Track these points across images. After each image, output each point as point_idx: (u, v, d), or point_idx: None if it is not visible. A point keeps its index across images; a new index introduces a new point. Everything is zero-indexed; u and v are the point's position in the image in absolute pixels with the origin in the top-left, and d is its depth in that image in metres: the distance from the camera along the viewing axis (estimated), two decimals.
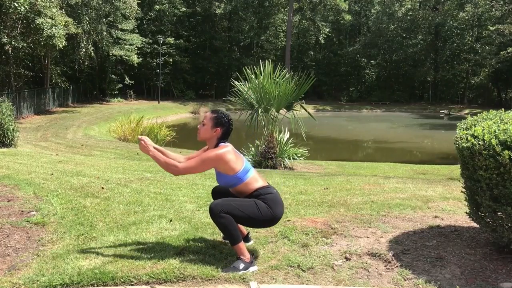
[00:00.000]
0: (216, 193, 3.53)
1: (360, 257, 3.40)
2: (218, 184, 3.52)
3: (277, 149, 10.71)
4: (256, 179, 3.33)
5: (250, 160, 10.51)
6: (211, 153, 3.25)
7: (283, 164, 10.72)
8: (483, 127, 3.14)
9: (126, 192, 5.49)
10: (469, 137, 3.15)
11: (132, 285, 2.92)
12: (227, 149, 3.27)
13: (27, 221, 4.17)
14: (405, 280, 3.06)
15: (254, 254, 3.37)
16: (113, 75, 36.50)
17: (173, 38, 40.31)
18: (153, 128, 18.54)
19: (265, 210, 3.20)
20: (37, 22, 20.62)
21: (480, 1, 41.50)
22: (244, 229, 3.62)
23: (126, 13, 33.35)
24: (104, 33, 31.38)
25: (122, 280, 2.94)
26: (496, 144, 2.94)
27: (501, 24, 38.06)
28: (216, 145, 3.34)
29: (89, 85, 37.30)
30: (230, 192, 3.41)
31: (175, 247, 3.53)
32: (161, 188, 5.85)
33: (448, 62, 48.56)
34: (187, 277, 3.00)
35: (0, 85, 24.07)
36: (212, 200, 3.35)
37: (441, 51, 48.07)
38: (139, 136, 3.37)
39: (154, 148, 3.36)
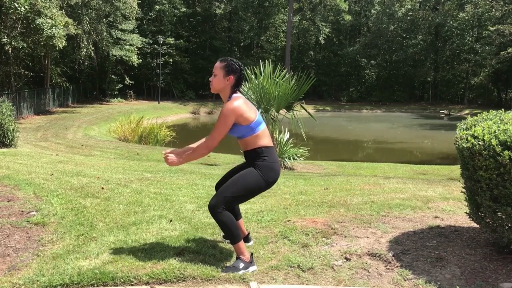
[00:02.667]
0: (220, 186, 3.52)
1: (360, 257, 3.40)
2: (219, 180, 3.50)
3: (277, 149, 10.71)
4: (265, 134, 3.30)
5: None
6: (225, 109, 3.18)
7: (283, 164, 10.73)
8: (483, 128, 3.14)
9: (126, 192, 5.49)
10: (469, 138, 3.15)
11: (132, 285, 2.92)
12: (239, 101, 3.21)
13: (27, 221, 4.17)
14: (405, 280, 3.06)
15: (254, 254, 3.37)
16: (113, 75, 36.52)
17: (173, 38, 40.34)
18: (153, 128, 18.52)
19: (260, 181, 3.20)
20: (37, 22, 20.62)
21: (480, 1, 41.50)
22: (244, 229, 3.63)
23: (126, 13, 33.37)
24: (104, 33, 31.40)
25: (122, 280, 2.94)
26: (496, 145, 2.94)
27: (501, 24, 38.06)
28: (231, 95, 3.27)
29: (89, 85, 37.32)
30: None
31: (175, 247, 3.53)
32: (161, 188, 5.85)
33: (448, 62, 48.57)
34: (187, 277, 3.00)
35: (0, 85, 24.08)
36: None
37: (441, 51, 48.08)
38: (164, 153, 3.29)
39: (179, 153, 3.30)
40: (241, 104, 3.20)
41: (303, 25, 49.91)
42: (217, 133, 3.19)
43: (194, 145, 3.45)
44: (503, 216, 3.08)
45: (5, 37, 20.79)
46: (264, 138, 3.27)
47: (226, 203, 3.15)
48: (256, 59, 39.83)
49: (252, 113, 3.24)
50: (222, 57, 3.38)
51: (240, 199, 3.25)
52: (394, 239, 3.74)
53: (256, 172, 3.21)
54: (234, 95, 3.27)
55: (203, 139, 3.43)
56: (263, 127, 3.30)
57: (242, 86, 10.73)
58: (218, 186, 3.55)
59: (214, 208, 3.14)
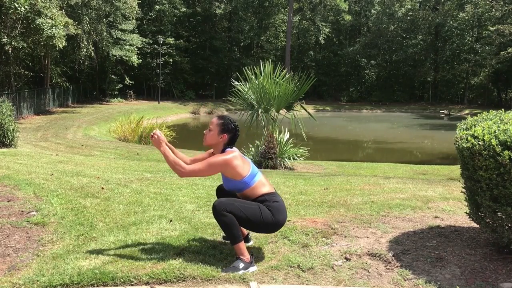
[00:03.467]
0: (221, 191, 3.54)
1: (360, 257, 3.40)
2: (221, 185, 3.52)
3: (277, 149, 10.71)
4: (263, 183, 3.33)
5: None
6: (219, 158, 3.25)
7: (283, 164, 10.72)
8: (483, 128, 3.14)
9: (126, 193, 5.49)
10: (469, 138, 3.15)
11: (132, 285, 2.92)
12: (234, 155, 3.26)
13: (27, 221, 4.17)
14: (405, 280, 3.06)
15: (254, 254, 3.37)
16: (113, 75, 36.53)
17: (173, 38, 40.35)
18: (153, 128, 18.48)
19: (267, 216, 3.21)
20: (37, 22, 20.62)
21: (480, 1, 41.50)
22: (244, 229, 3.63)
23: (126, 14, 33.36)
24: (104, 33, 31.40)
25: (122, 280, 2.94)
26: (496, 145, 2.94)
27: (501, 24, 38.06)
28: (223, 151, 3.34)
29: (89, 85, 37.33)
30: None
31: (175, 247, 3.53)
32: (161, 188, 5.85)
33: (448, 62, 48.57)
34: (187, 277, 3.00)
35: (0, 85, 24.07)
36: (216, 198, 3.36)
37: (441, 51, 48.09)
38: (154, 131, 3.35)
39: (166, 145, 3.35)
40: (236, 157, 3.25)
41: (303, 25, 49.91)
42: (201, 171, 3.23)
43: (180, 155, 3.49)
44: (503, 216, 3.08)
45: (5, 37, 20.79)
46: (262, 187, 3.31)
47: (230, 211, 3.15)
48: (256, 59, 39.84)
49: (245, 168, 3.27)
50: (221, 115, 3.45)
51: (242, 219, 3.20)
52: (394, 239, 3.74)
53: (267, 211, 3.23)
54: (228, 149, 3.33)
55: (189, 160, 3.50)
56: (258, 178, 3.33)
57: (242, 86, 10.78)
58: (219, 190, 3.56)
59: (218, 208, 3.14)
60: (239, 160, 3.27)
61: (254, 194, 3.28)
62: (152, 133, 3.34)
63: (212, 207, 3.20)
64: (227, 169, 3.24)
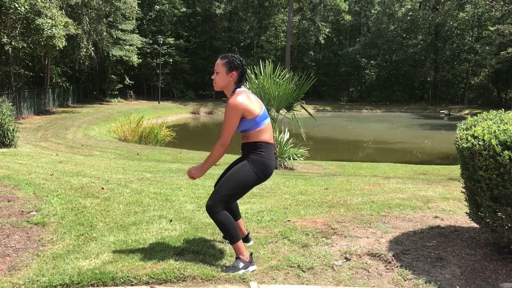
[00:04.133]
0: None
1: (360, 257, 3.40)
2: (218, 180, 3.51)
3: (277, 149, 10.71)
4: (268, 129, 3.30)
5: None
6: (229, 106, 3.17)
7: (283, 165, 10.72)
8: (483, 128, 3.14)
9: (126, 193, 5.49)
10: (469, 138, 3.15)
11: (132, 285, 2.92)
12: (242, 96, 3.20)
13: (27, 221, 4.17)
14: (405, 280, 3.06)
15: (254, 254, 3.37)
16: (113, 75, 36.52)
17: (173, 39, 40.34)
18: (153, 129, 18.52)
19: (251, 173, 3.19)
20: (37, 22, 20.62)
21: (480, 1, 41.50)
22: (244, 229, 3.63)
23: (126, 13, 33.35)
24: (104, 33, 31.39)
25: (122, 280, 2.94)
26: (496, 145, 2.94)
27: (501, 24, 38.06)
28: (234, 90, 3.27)
29: (89, 85, 37.32)
30: None
31: (175, 247, 3.53)
32: (161, 188, 5.85)
33: (448, 62, 48.57)
34: (187, 277, 3.00)
35: (0, 85, 24.08)
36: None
37: (441, 51, 48.08)
38: (188, 174, 3.32)
39: (199, 167, 3.29)
40: (245, 99, 3.20)
41: (303, 25, 49.91)
42: (227, 130, 3.17)
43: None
44: (503, 216, 3.08)
45: (5, 37, 20.78)
46: (266, 133, 3.28)
47: (223, 202, 3.16)
48: (256, 59, 39.80)
49: (256, 107, 3.24)
50: (223, 55, 3.36)
51: (235, 196, 3.25)
52: (394, 239, 3.74)
53: (248, 166, 3.21)
54: (238, 90, 3.27)
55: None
56: (267, 121, 3.31)
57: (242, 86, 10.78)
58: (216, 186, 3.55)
59: (211, 209, 3.15)
60: (248, 100, 3.21)
61: (257, 137, 3.23)
62: (187, 173, 3.33)
63: (205, 209, 3.21)
64: (241, 111, 3.15)
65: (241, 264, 3.12)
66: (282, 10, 48.72)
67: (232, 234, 3.18)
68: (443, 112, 41.62)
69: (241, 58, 3.34)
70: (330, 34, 49.57)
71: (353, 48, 50.29)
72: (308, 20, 49.46)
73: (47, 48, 23.05)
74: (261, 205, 4.91)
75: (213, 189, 3.38)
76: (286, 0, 46.62)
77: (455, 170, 10.03)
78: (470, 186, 3.30)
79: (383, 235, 3.84)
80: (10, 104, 12.36)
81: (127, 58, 34.05)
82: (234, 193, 3.21)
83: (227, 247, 3.53)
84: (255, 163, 3.22)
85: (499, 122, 3.19)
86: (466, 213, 3.59)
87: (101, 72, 36.16)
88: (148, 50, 38.95)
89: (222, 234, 3.76)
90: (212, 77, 3.33)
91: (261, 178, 3.27)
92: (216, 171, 7.59)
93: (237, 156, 3.47)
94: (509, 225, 3.12)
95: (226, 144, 3.20)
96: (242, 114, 3.17)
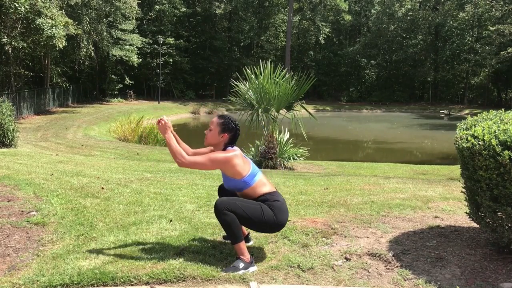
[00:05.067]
0: (222, 190, 3.54)
1: (360, 257, 3.40)
2: (222, 184, 3.53)
3: (277, 149, 10.71)
4: (263, 183, 3.33)
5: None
6: (220, 154, 3.25)
7: (283, 164, 10.72)
8: (483, 127, 3.14)
9: (126, 192, 5.49)
10: (469, 137, 3.15)
11: (132, 285, 2.92)
12: (235, 153, 3.27)
13: (27, 221, 4.17)
14: (405, 280, 3.06)
15: (254, 254, 3.37)
16: (113, 75, 36.52)
17: (173, 38, 40.34)
18: (153, 128, 18.52)
19: (269, 216, 3.20)
20: (37, 22, 20.61)
21: (480, 1, 41.50)
22: (244, 229, 3.63)
23: (126, 13, 33.35)
24: (104, 33, 31.38)
25: (122, 280, 2.94)
26: (496, 144, 2.94)
27: (501, 24, 38.06)
28: (224, 150, 3.34)
29: (89, 85, 37.32)
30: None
31: (175, 247, 3.53)
32: (161, 188, 5.85)
33: (448, 62, 48.56)
34: (187, 277, 3.00)
35: (0, 85, 24.07)
36: (218, 197, 3.36)
37: (441, 51, 48.08)
38: (161, 117, 3.34)
39: (172, 133, 3.35)
40: (237, 155, 3.26)
41: (303, 25, 49.91)
42: (201, 164, 3.24)
43: (183, 145, 3.52)
44: (503, 216, 3.08)
45: (5, 37, 20.78)
46: (263, 187, 3.31)
47: (233, 209, 3.15)
48: (256, 59, 39.82)
49: (246, 167, 3.27)
50: (221, 114, 3.44)
51: (246, 221, 3.21)
52: (394, 239, 3.74)
53: (269, 210, 3.22)
54: (230, 148, 3.33)
55: (191, 151, 3.53)
56: (259, 177, 3.32)
57: (242, 86, 10.78)
58: (221, 189, 3.56)
59: (220, 206, 3.14)
60: (240, 159, 3.27)
61: (255, 193, 3.28)
62: (159, 119, 3.34)
63: (214, 206, 3.20)
64: (227, 167, 3.24)
65: (242, 265, 3.12)
66: (282, 10, 48.72)
67: (236, 235, 3.18)
68: (443, 112, 41.62)
69: (237, 122, 3.38)
70: (330, 34, 49.57)
71: (353, 48, 50.30)
72: (308, 20, 49.46)
73: (47, 48, 23.05)
74: None
75: (213, 188, 3.38)
76: (286, 0, 46.61)
77: (455, 170, 10.03)
78: (470, 186, 3.30)
79: (383, 235, 3.84)
80: (10, 104, 12.36)
81: (127, 58, 34.05)
82: (248, 218, 3.17)
83: (227, 247, 3.53)
84: (275, 208, 3.23)
85: (499, 122, 3.19)
86: (466, 213, 3.59)
87: (101, 72, 36.15)
88: (148, 50, 38.96)
89: (222, 234, 3.76)
90: (205, 131, 3.39)
91: (277, 225, 3.25)
92: (216, 171, 7.59)
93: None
94: (509, 225, 3.12)
95: (186, 166, 3.24)
96: (229, 171, 3.23)
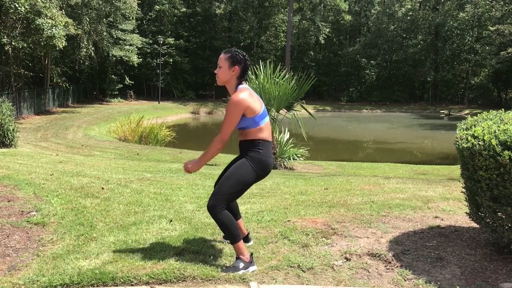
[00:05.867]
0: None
1: (360, 257, 3.40)
2: (217, 179, 3.51)
3: (277, 149, 10.71)
4: (267, 128, 3.30)
5: None
6: (232, 102, 3.17)
7: (283, 165, 10.72)
8: (483, 128, 3.14)
9: (126, 193, 5.49)
10: (469, 138, 3.15)
11: (132, 285, 2.92)
12: (245, 93, 3.21)
13: (27, 221, 4.17)
14: (405, 280, 3.06)
15: (254, 254, 3.37)
16: (113, 75, 36.52)
17: (173, 39, 40.35)
18: (153, 129, 18.51)
19: (251, 171, 3.19)
20: (37, 22, 20.61)
21: (480, 1, 41.52)
22: (244, 229, 3.63)
23: (126, 14, 33.35)
24: (104, 33, 31.39)
25: (122, 280, 2.94)
26: (496, 145, 2.94)
27: (501, 25, 38.08)
28: (237, 86, 3.28)
29: (89, 85, 37.32)
30: None
31: (175, 247, 3.53)
32: (161, 188, 5.85)
33: (448, 62, 48.56)
34: (187, 277, 3.00)
35: (0, 85, 24.07)
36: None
37: (441, 51, 48.08)
38: (184, 167, 3.30)
39: (196, 161, 3.28)
40: (247, 96, 3.20)
41: (303, 25, 49.92)
42: (227, 125, 3.18)
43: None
44: (503, 216, 3.08)
45: (5, 37, 20.78)
46: (265, 131, 3.29)
47: (224, 201, 3.16)
48: (256, 59, 39.78)
49: (257, 105, 3.25)
50: (227, 49, 3.37)
51: (236, 194, 3.24)
52: (394, 239, 3.74)
53: (247, 164, 3.21)
54: (240, 86, 3.27)
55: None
56: (266, 120, 3.32)
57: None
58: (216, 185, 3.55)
59: (213, 209, 3.14)
60: (251, 98, 3.22)
61: (255, 135, 3.24)
62: (184, 167, 3.31)
63: (207, 209, 3.20)
64: (244, 108, 3.16)
65: (241, 264, 3.12)
66: (282, 10, 48.72)
67: (234, 234, 3.18)
68: (443, 112, 41.62)
69: (244, 53, 3.34)
70: (330, 34, 49.57)
71: (353, 48, 50.30)
72: (308, 20, 49.47)
73: (47, 48, 23.04)
74: (261, 205, 4.91)
75: (213, 189, 3.38)
76: (286, 0, 46.61)
77: (455, 170, 10.03)
78: (470, 186, 3.30)
79: (383, 235, 3.84)
80: (10, 104, 12.36)
81: (127, 58, 34.05)
82: (235, 191, 3.21)
83: (227, 247, 3.53)
84: (254, 160, 3.22)
85: (499, 122, 3.19)
86: (466, 213, 3.59)
87: (101, 72, 36.15)
88: (148, 50, 38.97)
89: (222, 234, 3.76)
90: (215, 71, 3.34)
91: (260, 176, 3.27)
92: (216, 171, 7.61)
93: (236, 155, 3.47)
94: (509, 225, 3.12)
95: (225, 140, 3.20)
96: (244, 111, 3.18)
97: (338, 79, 51.09)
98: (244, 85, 3.30)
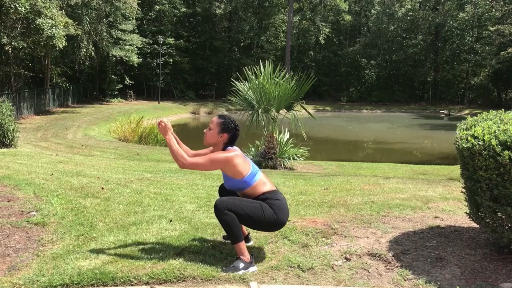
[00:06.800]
0: (223, 190, 3.54)
1: (360, 257, 3.40)
2: (222, 184, 3.53)
3: (277, 149, 10.71)
4: (263, 182, 3.33)
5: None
6: (221, 154, 3.26)
7: (283, 165, 10.72)
8: (483, 128, 3.14)
9: (126, 193, 5.49)
10: (469, 138, 3.15)
11: (132, 285, 2.92)
12: (235, 153, 3.28)
13: (27, 222, 4.17)
14: (405, 280, 3.06)
15: (254, 254, 3.37)
16: (113, 75, 36.50)
17: (173, 39, 40.34)
18: (153, 129, 18.51)
19: (269, 215, 3.21)
20: (37, 22, 20.61)
21: (480, 2, 41.50)
22: (244, 229, 3.63)
23: (126, 14, 33.34)
24: (104, 33, 31.37)
25: (122, 280, 2.94)
26: (496, 145, 2.94)
27: (501, 25, 38.06)
28: (223, 150, 3.35)
29: (89, 85, 37.31)
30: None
31: (175, 247, 3.53)
32: (161, 188, 5.85)
33: (448, 62, 48.55)
34: (187, 277, 3.00)
35: (0, 86, 24.06)
36: (218, 197, 3.37)
37: (441, 51, 48.06)
38: (161, 118, 3.35)
39: (171, 133, 3.35)
40: (237, 155, 3.27)
41: (303, 25, 49.90)
42: (202, 165, 3.26)
43: (184, 147, 3.52)
44: (503, 216, 3.08)
45: (5, 37, 20.78)
46: (263, 186, 3.32)
47: (233, 211, 3.16)
48: (256, 59, 39.78)
49: (246, 167, 3.28)
50: (221, 114, 3.46)
51: (246, 220, 3.22)
52: (394, 239, 3.74)
53: (269, 209, 3.22)
54: (230, 148, 3.34)
55: (191, 152, 3.53)
56: (259, 177, 3.34)
57: (242, 86, 10.77)
58: (221, 189, 3.56)
59: (220, 205, 3.14)
60: (240, 159, 3.28)
61: (255, 192, 3.29)
62: (159, 121, 3.35)
63: (213, 206, 3.21)
64: (227, 167, 3.25)
65: (242, 265, 3.12)
66: (282, 10, 48.71)
67: (236, 235, 3.18)
68: (443, 112, 41.61)
69: (237, 123, 3.39)
70: (330, 34, 49.55)
71: (353, 48, 50.29)
72: (308, 20, 49.46)
73: (47, 48, 23.04)
74: None
75: (213, 189, 3.38)
76: (286, 0, 46.61)
77: (455, 170, 10.02)
78: (470, 186, 3.30)
79: (383, 235, 3.84)
80: (10, 104, 12.36)
81: (127, 58, 34.03)
82: (248, 217, 3.18)
83: (227, 247, 3.53)
84: (275, 206, 3.24)
85: (499, 122, 3.19)
86: (466, 213, 3.59)
87: (101, 72, 36.14)
88: (148, 50, 38.94)
89: (222, 234, 3.76)
90: (204, 130, 3.40)
91: (278, 223, 3.27)
92: (216, 171, 7.60)
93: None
94: (509, 225, 3.12)
95: (186, 168, 3.26)
96: (230, 171, 3.24)
97: (338, 79, 51.07)
98: (234, 147, 3.37)
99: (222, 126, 3.33)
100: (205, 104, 39.86)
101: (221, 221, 3.18)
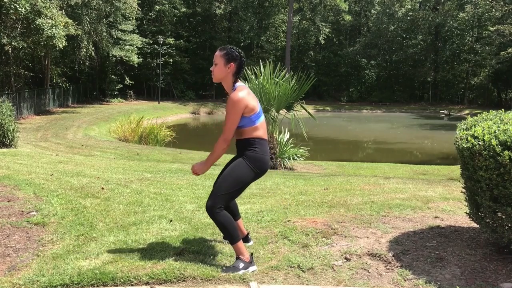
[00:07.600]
0: None
1: (360, 257, 3.40)
2: (216, 179, 3.51)
3: (277, 149, 10.71)
4: (262, 126, 3.31)
5: None
6: (232, 100, 3.17)
7: (283, 165, 10.72)
8: (483, 128, 3.14)
9: (126, 193, 5.49)
10: (469, 138, 3.15)
11: (132, 285, 2.92)
12: (244, 92, 3.21)
13: (27, 222, 4.17)
14: (405, 280, 3.06)
15: (254, 254, 3.37)
16: (113, 76, 36.51)
17: (173, 39, 40.36)
18: (153, 129, 18.51)
19: (248, 170, 3.21)
20: (37, 22, 20.62)
21: (480, 2, 41.51)
22: (244, 229, 3.63)
23: (126, 14, 33.34)
24: (104, 33, 31.38)
25: (122, 280, 2.94)
26: (496, 145, 2.94)
27: (501, 25, 38.08)
28: (233, 83, 3.27)
29: (89, 86, 37.32)
30: None
31: (175, 247, 3.53)
32: (161, 188, 5.85)
33: (448, 62, 48.57)
34: (187, 277, 3.00)
35: (0, 86, 24.07)
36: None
37: (441, 51, 48.09)
38: (192, 170, 3.32)
39: (203, 162, 3.29)
40: (246, 94, 3.21)
41: (303, 25, 49.91)
42: (229, 124, 3.18)
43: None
44: (503, 216, 3.08)
45: (5, 37, 20.78)
46: (260, 129, 3.30)
47: (222, 201, 3.17)
48: (256, 59, 39.76)
49: (255, 103, 3.26)
50: (222, 46, 3.35)
51: (234, 193, 3.26)
52: (394, 239, 3.74)
53: (244, 163, 3.22)
54: (237, 84, 3.27)
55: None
56: (262, 119, 3.33)
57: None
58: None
59: (211, 209, 3.15)
60: (249, 97, 3.23)
61: (250, 133, 3.24)
62: (191, 170, 3.33)
63: (205, 210, 3.21)
64: (242, 106, 3.16)
65: (241, 264, 3.12)
66: (282, 10, 48.71)
67: (232, 235, 3.18)
68: (443, 112, 41.61)
69: (240, 50, 3.33)
70: (330, 34, 49.58)
71: (353, 48, 50.29)
72: (308, 20, 49.46)
73: (47, 48, 23.05)
74: (261, 205, 4.91)
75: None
76: (286, 0, 46.61)
77: (455, 170, 10.03)
78: (470, 186, 3.30)
79: (383, 235, 3.84)
80: (10, 104, 12.36)
81: (127, 58, 34.03)
82: (233, 191, 3.22)
83: (227, 247, 3.53)
84: (251, 159, 3.23)
85: (499, 122, 3.19)
86: (466, 213, 3.59)
87: (101, 72, 36.15)
88: (148, 50, 38.95)
89: (222, 234, 3.76)
90: (211, 68, 3.33)
91: (257, 174, 3.29)
92: (216, 171, 7.61)
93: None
94: (509, 225, 3.12)
95: (229, 139, 3.21)
96: (243, 109, 3.19)
97: (338, 79, 51.07)
98: (241, 83, 3.30)
99: (227, 57, 3.25)
100: (205, 104, 39.86)
101: (216, 222, 3.19)
